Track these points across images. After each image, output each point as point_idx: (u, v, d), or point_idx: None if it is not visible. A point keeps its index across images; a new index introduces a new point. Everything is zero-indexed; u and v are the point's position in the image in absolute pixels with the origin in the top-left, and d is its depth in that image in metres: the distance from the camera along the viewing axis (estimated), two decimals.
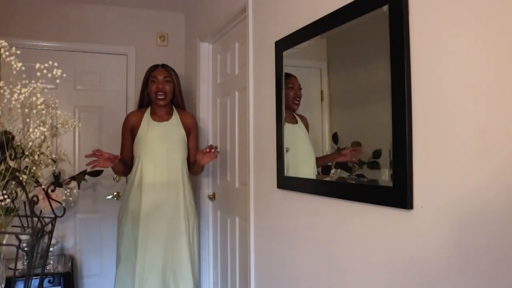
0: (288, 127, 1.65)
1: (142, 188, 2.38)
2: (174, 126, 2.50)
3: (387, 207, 1.17)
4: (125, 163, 2.51)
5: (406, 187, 1.08)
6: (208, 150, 2.25)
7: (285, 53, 1.72)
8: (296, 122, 1.63)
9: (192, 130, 2.57)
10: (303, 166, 1.57)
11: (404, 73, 1.09)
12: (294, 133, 1.65)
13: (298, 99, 1.55)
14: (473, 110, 0.93)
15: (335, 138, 1.44)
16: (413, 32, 1.08)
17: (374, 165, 1.26)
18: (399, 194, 1.11)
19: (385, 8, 1.16)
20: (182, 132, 2.51)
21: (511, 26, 0.85)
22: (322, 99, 1.51)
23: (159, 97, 2.45)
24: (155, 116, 2.50)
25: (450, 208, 0.98)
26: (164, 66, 2.54)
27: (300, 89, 1.53)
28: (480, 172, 0.91)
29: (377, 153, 1.25)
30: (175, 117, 2.53)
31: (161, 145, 2.44)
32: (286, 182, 1.73)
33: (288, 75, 1.58)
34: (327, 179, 1.48)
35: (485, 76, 0.90)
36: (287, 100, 1.63)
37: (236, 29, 2.46)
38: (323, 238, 1.49)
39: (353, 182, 1.34)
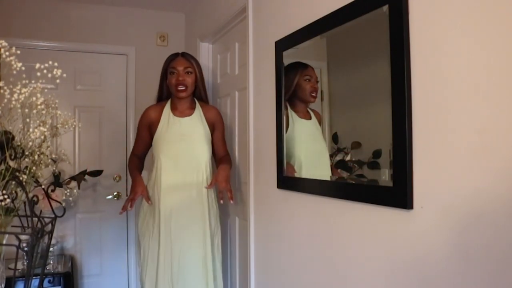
0: (301, 124, 1.54)
1: (161, 192, 2.18)
2: (197, 122, 2.26)
3: (387, 207, 1.17)
4: (139, 160, 2.38)
5: (406, 187, 1.08)
6: (229, 195, 2.15)
7: (285, 53, 1.72)
8: (310, 118, 1.49)
9: (217, 125, 2.33)
10: (317, 166, 1.45)
11: (404, 73, 1.09)
12: (307, 130, 1.51)
13: (315, 92, 1.43)
14: (473, 110, 0.93)
15: (335, 138, 1.44)
16: (413, 32, 1.08)
17: (374, 165, 1.26)
18: (399, 194, 1.11)
19: (385, 8, 1.16)
20: (206, 128, 2.27)
21: (511, 26, 0.85)
22: (322, 99, 1.51)
23: (179, 89, 2.21)
24: (175, 111, 2.27)
25: (450, 208, 0.98)
26: (184, 55, 2.29)
27: (317, 81, 1.39)
28: (480, 172, 0.91)
29: (377, 153, 1.25)
30: (198, 111, 2.30)
31: (183, 143, 2.22)
32: (286, 182, 1.73)
33: (304, 66, 1.47)
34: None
35: (485, 76, 0.90)
36: (303, 93, 1.51)
37: (236, 29, 2.46)
38: (323, 238, 1.49)
39: (353, 182, 1.34)
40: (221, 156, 2.35)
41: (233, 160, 2.50)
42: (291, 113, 1.56)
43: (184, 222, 2.18)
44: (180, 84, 2.20)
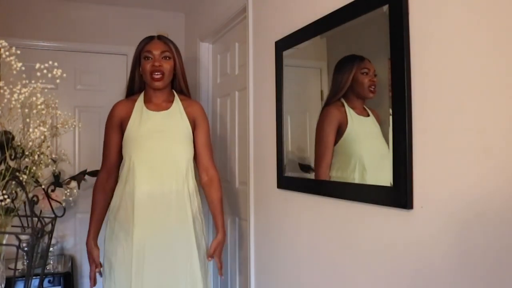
0: (358, 121, 1.38)
1: (135, 201, 1.77)
2: (175, 116, 1.88)
3: (387, 207, 1.17)
4: (106, 186, 1.90)
5: (406, 187, 1.08)
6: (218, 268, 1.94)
7: (285, 53, 1.72)
8: (368, 115, 1.33)
9: (199, 122, 1.93)
10: (376, 170, 1.27)
11: (404, 73, 1.09)
12: (365, 128, 1.34)
13: (373, 86, 1.30)
14: (473, 110, 0.93)
15: None
16: (413, 32, 1.08)
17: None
18: (399, 194, 1.11)
19: (385, 8, 1.16)
20: (186, 123, 1.89)
21: (511, 26, 0.85)
22: (322, 99, 1.51)
23: (155, 76, 1.83)
24: (150, 104, 1.88)
25: (450, 208, 0.98)
26: (161, 37, 1.94)
27: (375, 75, 1.26)
28: (480, 172, 0.91)
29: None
30: (177, 105, 1.92)
31: (158, 142, 1.83)
32: (286, 182, 1.73)
33: (361, 59, 1.34)
34: None
35: (485, 76, 0.90)
36: (361, 88, 1.36)
37: (236, 29, 2.46)
38: (323, 238, 1.49)
39: (353, 182, 1.34)
40: (208, 181, 1.95)
41: (233, 160, 2.50)
42: (349, 110, 1.41)
43: (163, 251, 1.78)
44: (156, 71, 1.83)
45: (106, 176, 1.90)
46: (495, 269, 0.88)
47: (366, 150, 1.36)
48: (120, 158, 1.91)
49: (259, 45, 1.99)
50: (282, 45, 1.73)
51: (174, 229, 1.81)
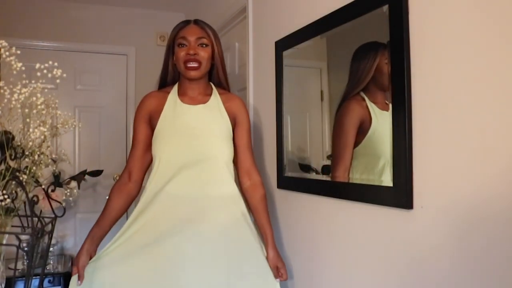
0: (382, 117, 1.22)
1: (164, 205, 1.50)
2: (213, 111, 1.63)
3: (387, 207, 1.17)
4: (127, 191, 1.58)
5: (406, 187, 1.08)
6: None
7: (285, 53, 1.72)
8: (388, 110, 1.18)
9: (240, 119, 1.66)
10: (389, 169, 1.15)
11: (404, 73, 1.09)
12: (389, 125, 1.17)
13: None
14: (473, 110, 0.92)
15: None
16: (413, 32, 1.08)
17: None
18: (399, 194, 1.11)
19: (385, 8, 1.16)
20: (226, 120, 1.62)
21: (511, 26, 0.85)
22: (322, 99, 1.51)
23: (190, 65, 1.58)
24: (184, 97, 1.63)
25: (450, 208, 0.98)
26: (197, 22, 1.65)
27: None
28: (480, 172, 0.91)
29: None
30: (215, 98, 1.65)
31: (194, 139, 1.57)
32: (286, 182, 1.73)
33: (384, 46, 1.18)
34: None
35: (485, 76, 0.90)
36: (384, 78, 1.20)
37: (236, 29, 2.46)
38: (322, 238, 1.49)
39: (353, 182, 1.34)
40: (251, 186, 1.64)
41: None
42: (371, 106, 1.26)
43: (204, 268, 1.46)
44: (191, 60, 1.58)
45: (127, 178, 1.60)
46: (495, 269, 0.88)
47: (392, 149, 1.18)
48: (147, 158, 1.65)
49: (259, 45, 1.99)
50: (282, 45, 1.73)
51: (216, 236, 1.51)
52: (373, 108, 1.27)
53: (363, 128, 1.28)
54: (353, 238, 1.32)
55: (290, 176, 1.70)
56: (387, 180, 1.19)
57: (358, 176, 1.32)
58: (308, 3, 1.58)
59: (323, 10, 1.45)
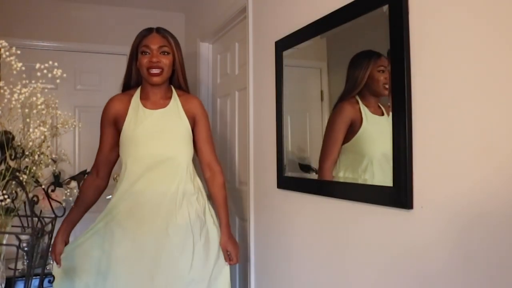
0: (373, 120, 1.33)
1: (129, 202, 1.72)
2: (173, 115, 1.79)
3: (387, 207, 1.17)
4: (94, 185, 1.82)
5: (406, 187, 1.08)
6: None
7: (285, 53, 1.72)
8: (383, 114, 1.27)
9: (199, 118, 1.84)
10: (384, 172, 1.22)
11: (404, 73, 1.09)
12: (379, 128, 1.27)
13: (388, 85, 1.26)
14: (473, 110, 0.93)
15: None
16: (413, 32, 1.08)
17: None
18: (399, 194, 1.11)
19: (385, 8, 1.16)
20: (184, 122, 1.78)
21: (511, 26, 0.85)
22: (322, 99, 1.51)
23: (152, 71, 1.73)
24: (147, 102, 1.79)
25: (450, 208, 0.98)
26: (159, 30, 1.80)
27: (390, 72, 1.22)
28: (480, 172, 0.91)
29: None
30: (175, 102, 1.81)
31: (156, 141, 1.74)
32: (286, 182, 1.73)
33: (378, 55, 1.29)
34: None
35: (485, 76, 0.90)
36: (376, 85, 1.32)
37: (236, 29, 2.46)
38: (323, 238, 1.49)
39: (353, 182, 1.34)
40: (211, 176, 1.86)
41: (233, 160, 2.50)
42: (364, 108, 1.38)
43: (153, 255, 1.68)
44: (154, 67, 1.74)
45: (95, 174, 1.82)
46: (495, 269, 0.88)
47: (378, 151, 1.31)
48: (112, 156, 1.84)
49: (259, 45, 1.99)
50: (282, 45, 1.73)
51: (165, 233, 1.70)
52: (365, 111, 1.37)
53: (353, 128, 1.38)
54: (353, 238, 1.32)
55: (290, 176, 1.70)
56: (370, 178, 1.29)
57: (343, 172, 1.42)
58: (308, 3, 1.58)
59: (323, 10, 1.45)
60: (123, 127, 1.75)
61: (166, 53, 1.78)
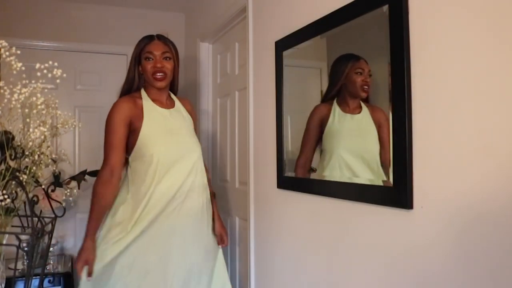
0: (341, 118, 1.42)
1: (162, 197, 1.77)
2: (182, 113, 1.95)
3: (387, 207, 1.17)
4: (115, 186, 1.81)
5: (406, 187, 1.08)
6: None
7: (285, 53, 1.72)
8: (359, 112, 1.35)
9: (193, 118, 2.05)
10: (365, 169, 1.29)
11: (404, 73, 1.09)
12: (349, 125, 1.38)
13: (367, 86, 1.35)
14: (473, 110, 0.93)
15: None
16: (413, 32, 1.08)
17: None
18: (399, 194, 1.11)
19: (385, 8, 1.16)
20: (190, 119, 1.98)
21: (511, 26, 0.85)
22: (322, 99, 1.51)
23: (157, 76, 1.84)
24: (157, 102, 1.89)
25: (450, 208, 0.98)
26: (161, 37, 1.94)
27: (370, 75, 1.32)
28: (480, 172, 0.91)
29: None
30: (177, 102, 1.98)
31: (178, 138, 1.86)
32: (286, 182, 1.73)
33: (356, 58, 1.37)
34: None
35: (485, 76, 0.90)
36: (353, 87, 1.38)
37: (236, 29, 2.46)
38: (323, 238, 1.49)
39: (353, 182, 1.34)
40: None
41: (233, 160, 2.50)
42: (334, 107, 1.46)
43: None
44: (158, 72, 1.84)
45: (109, 174, 1.77)
46: (495, 269, 0.88)
47: (347, 147, 1.40)
48: (124, 157, 1.83)
49: (259, 45, 1.99)
50: (282, 45, 1.73)
51: (205, 225, 1.89)
52: (335, 110, 1.46)
53: (323, 127, 1.50)
54: (353, 238, 1.32)
55: (290, 176, 1.70)
56: (339, 175, 1.40)
57: (318, 171, 1.54)
58: (308, 3, 1.58)
59: (323, 10, 1.45)
60: (143, 124, 1.80)
61: (168, 59, 1.89)
